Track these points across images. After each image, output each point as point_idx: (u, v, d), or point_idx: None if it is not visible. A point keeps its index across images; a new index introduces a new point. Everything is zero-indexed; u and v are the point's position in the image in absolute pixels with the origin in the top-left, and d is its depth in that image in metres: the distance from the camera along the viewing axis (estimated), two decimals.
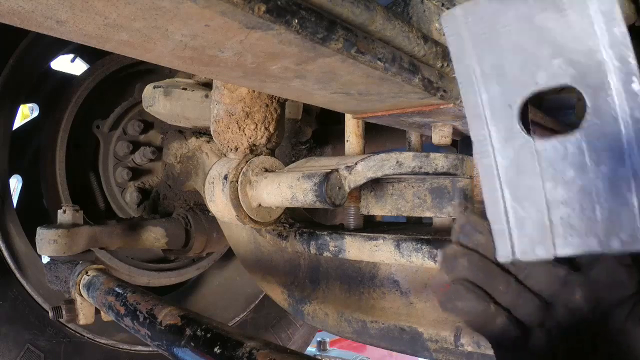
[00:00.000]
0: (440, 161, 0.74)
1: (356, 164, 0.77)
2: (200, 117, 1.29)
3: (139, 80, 1.68)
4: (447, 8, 0.72)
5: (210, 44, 0.50)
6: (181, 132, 1.54)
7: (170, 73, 1.54)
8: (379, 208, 0.94)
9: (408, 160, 0.75)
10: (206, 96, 1.27)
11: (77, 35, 0.47)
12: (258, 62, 0.55)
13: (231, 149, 0.90)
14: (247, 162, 0.86)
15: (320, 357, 2.77)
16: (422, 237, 0.83)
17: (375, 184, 0.92)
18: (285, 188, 0.79)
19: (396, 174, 0.78)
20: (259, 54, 0.53)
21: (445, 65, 0.67)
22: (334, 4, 0.50)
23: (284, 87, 0.66)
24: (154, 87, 1.32)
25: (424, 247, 0.83)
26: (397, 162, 0.75)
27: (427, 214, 0.85)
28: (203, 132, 1.48)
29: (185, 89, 1.30)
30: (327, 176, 0.74)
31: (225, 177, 0.85)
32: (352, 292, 1.03)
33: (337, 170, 0.76)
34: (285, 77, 0.61)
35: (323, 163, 0.85)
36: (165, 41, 0.49)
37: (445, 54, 0.67)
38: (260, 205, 0.87)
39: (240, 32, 0.47)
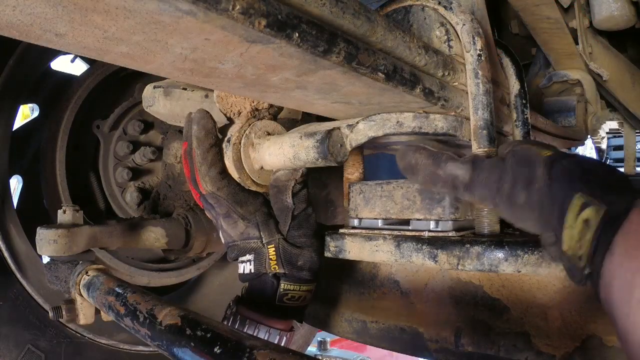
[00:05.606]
0: (439, 122, 0.74)
1: (357, 122, 0.77)
2: None
3: (139, 80, 1.67)
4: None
5: (210, 57, 0.50)
6: (181, 132, 1.53)
7: None
8: (367, 211, 0.94)
9: (408, 120, 0.75)
10: (206, 96, 1.26)
11: (76, 47, 0.47)
12: (258, 73, 0.55)
13: (234, 114, 0.90)
14: (249, 125, 0.87)
15: (320, 357, 2.77)
16: (422, 237, 0.83)
17: (364, 186, 0.91)
18: (287, 147, 0.79)
19: (396, 133, 0.77)
20: (260, 66, 0.52)
21: (446, 74, 0.67)
22: (335, 16, 0.49)
23: (285, 97, 0.66)
24: (154, 87, 1.31)
25: (424, 247, 0.83)
26: (398, 122, 0.75)
27: (417, 216, 0.85)
28: None
29: (185, 89, 1.29)
30: (329, 133, 0.75)
31: (229, 140, 0.85)
32: (352, 292, 1.03)
33: (338, 128, 0.77)
34: (285, 88, 0.61)
35: (324, 125, 0.85)
36: (165, 54, 0.49)
37: (445, 63, 0.66)
38: (262, 168, 0.88)
39: (241, 45, 0.47)
